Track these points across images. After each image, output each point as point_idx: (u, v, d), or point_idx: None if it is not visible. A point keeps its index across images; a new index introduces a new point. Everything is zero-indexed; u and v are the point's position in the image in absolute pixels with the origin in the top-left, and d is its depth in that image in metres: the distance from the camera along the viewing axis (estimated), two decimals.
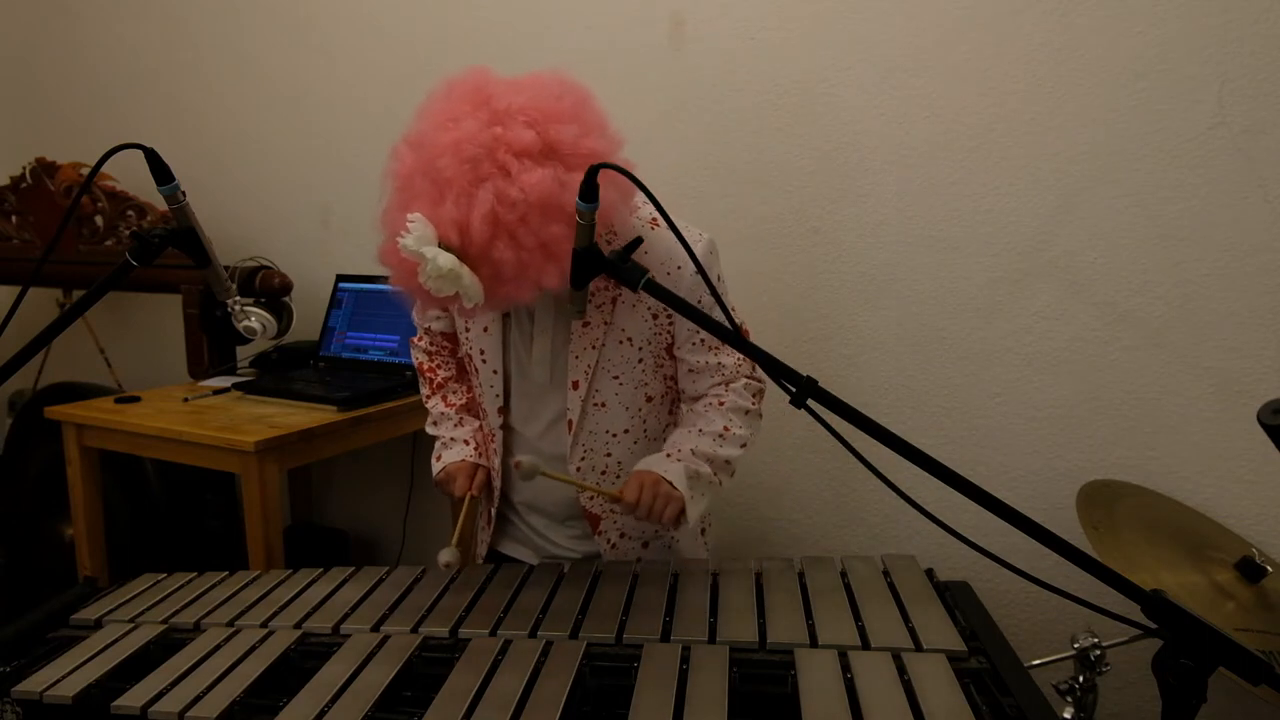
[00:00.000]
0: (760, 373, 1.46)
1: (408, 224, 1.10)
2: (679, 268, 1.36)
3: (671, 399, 1.53)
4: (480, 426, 1.57)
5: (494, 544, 1.64)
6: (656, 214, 1.35)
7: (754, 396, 1.46)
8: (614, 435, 1.46)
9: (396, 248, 1.11)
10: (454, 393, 1.61)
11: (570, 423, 1.43)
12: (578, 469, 1.46)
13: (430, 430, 1.61)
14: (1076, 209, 1.83)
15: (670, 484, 1.34)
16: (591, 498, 1.49)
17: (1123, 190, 1.79)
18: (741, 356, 1.43)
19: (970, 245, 1.92)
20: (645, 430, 1.49)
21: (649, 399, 1.47)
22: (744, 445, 1.44)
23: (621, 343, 1.40)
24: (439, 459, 1.55)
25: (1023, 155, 1.85)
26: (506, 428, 1.51)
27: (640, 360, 1.42)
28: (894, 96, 1.94)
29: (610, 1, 2.17)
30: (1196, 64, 1.70)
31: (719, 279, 1.43)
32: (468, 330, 1.48)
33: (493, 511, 1.60)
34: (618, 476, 1.48)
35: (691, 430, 1.44)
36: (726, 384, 1.45)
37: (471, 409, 1.60)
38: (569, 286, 1.16)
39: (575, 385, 1.41)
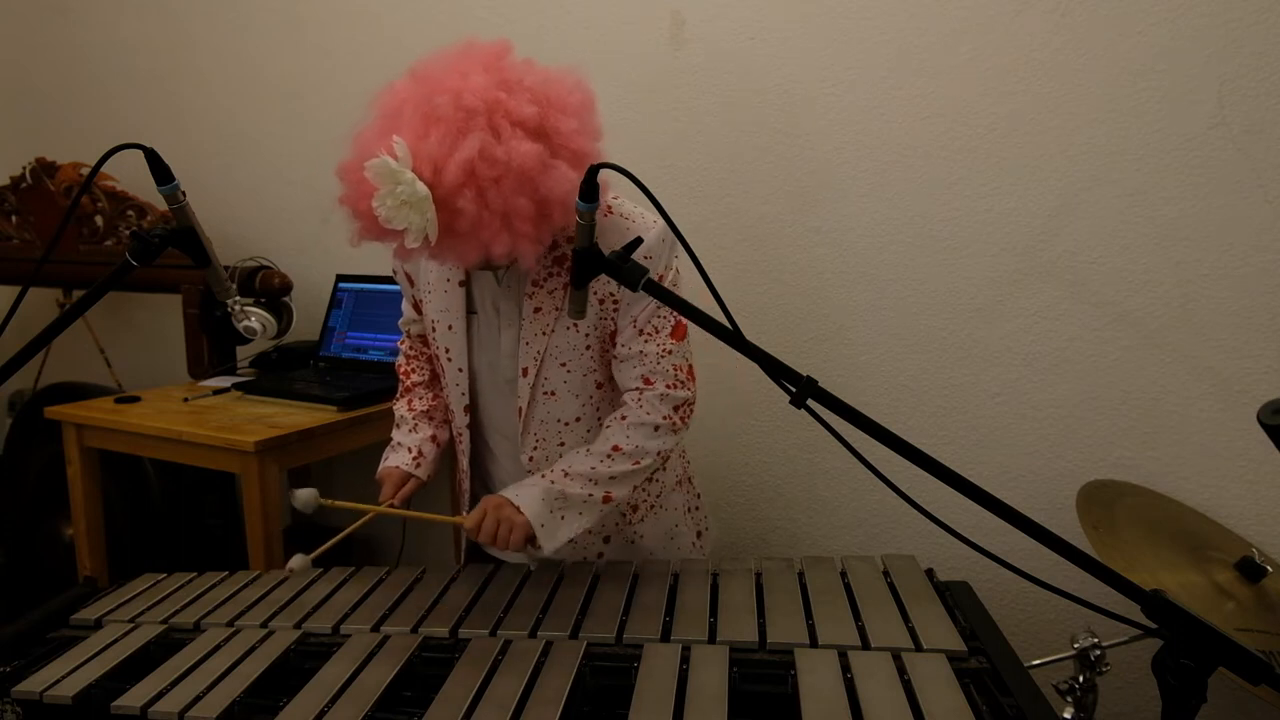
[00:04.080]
0: (687, 388, 1.38)
1: (394, 145, 1.08)
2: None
3: None
4: (434, 436, 1.56)
5: (474, 545, 1.64)
6: (609, 203, 1.35)
7: (672, 410, 1.37)
8: (565, 424, 1.44)
9: (361, 164, 1.10)
10: (420, 398, 1.60)
11: (520, 409, 1.42)
12: (530, 458, 1.44)
13: (392, 433, 1.61)
14: (1077, 209, 1.83)
15: (516, 507, 1.31)
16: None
17: (1123, 190, 1.79)
18: (668, 350, 1.37)
19: (970, 245, 1.92)
20: (598, 417, 1.45)
21: (599, 385, 1.43)
22: (638, 462, 1.36)
23: (569, 328, 1.37)
24: (384, 459, 1.54)
25: (1023, 155, 1.85)
26: (475, 427, 1.50)
27: (588, 347, 1.39)
28: (894, 96, 1.94)
29: (610, 0, 2.18)
30: (1196, 64, 1.70)
31: (667, 268, 1.37)
32: (434, 330, 1.47)
33: (464, 513, 1.59)
34: None
35: (582, 449, 1.39)
36: (643, 386, 1.37)
37: (433, 415, 1.59)
38: (513, 267, 1.17)
39: (525, 372, 1.39)
